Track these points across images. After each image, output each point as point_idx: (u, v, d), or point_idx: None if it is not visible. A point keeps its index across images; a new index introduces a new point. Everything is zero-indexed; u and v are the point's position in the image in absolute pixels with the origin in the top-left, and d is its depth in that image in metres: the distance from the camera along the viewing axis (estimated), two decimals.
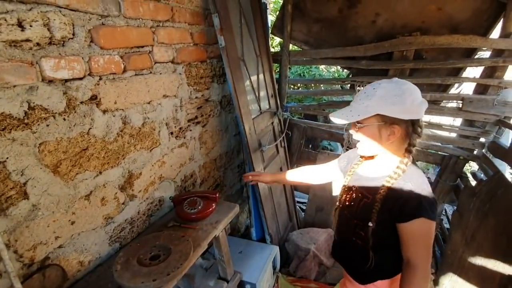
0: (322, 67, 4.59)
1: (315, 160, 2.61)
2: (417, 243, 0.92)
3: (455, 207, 2.14)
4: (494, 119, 1.99)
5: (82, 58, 1.01)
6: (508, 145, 1.82)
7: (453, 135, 2.25)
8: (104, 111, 1.12)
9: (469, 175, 2.22)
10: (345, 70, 3.58)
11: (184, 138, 1.61)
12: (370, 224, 0.98)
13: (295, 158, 2.72)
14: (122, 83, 1.17)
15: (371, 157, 1.07)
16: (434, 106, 2.18)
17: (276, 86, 2.36)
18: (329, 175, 1.33)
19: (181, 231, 1.33)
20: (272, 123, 2.23)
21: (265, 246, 2.13)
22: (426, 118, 2.52)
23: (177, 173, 1.60)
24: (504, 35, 1.87)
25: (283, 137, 2.37)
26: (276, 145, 2.30)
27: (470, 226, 1.83)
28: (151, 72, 1.30)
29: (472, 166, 3.24)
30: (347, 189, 1.12)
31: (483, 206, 1.75)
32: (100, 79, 1.09)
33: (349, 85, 2.45)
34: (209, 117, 1.81)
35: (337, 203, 1.16)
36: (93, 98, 1.08)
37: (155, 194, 1.46)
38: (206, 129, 1.81)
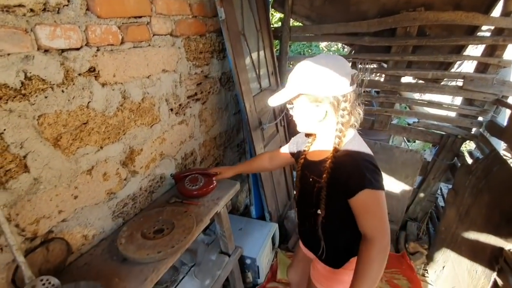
0: (322, 45, 4.49)
1: None
2: (368, 215, 0.89)
3: (451, 186, 2.19)
4: (493, 98, 1.99)
5: (79, 27, 0.97)
6: (505, 124, 1.84)
7: (452, 114, 2.25)
8: (103, 84, 1.09)
9: (466, 154, 2.25)
10: (346, 49, 3.51)
11: (184, 115, 1.58)
12: (322, 211, 0.98)
13: None
14: (120, 55, 1.13)
15: (314, 138, 1.07)
16: (435, 84, 2.17)
17: (277, 64, 2.32)
18: (284, 160, 1.32)
19: (183, 207, 1.35)
20: None
21: (264, 223, 2.17)
22: (426, 97, 2.51)
23: (177, 151, 1.59)
24: (504, 13, 1.84)
25: (283, 116, 2.35)
26: (276, 124, 2.29)
27: (465, 202, 1.88)
28: (149, 45, 1.25)
29: (469, 145, 3.28)
30: (300, 177, 1.09)
31: (478, 183, 1.79)
32: (98, 50, 1.05)
33: (350, 63, 2.41)
34: (209, 94, 1.78)
35: (294, 193, 1.12)
36: (92, 70, 1.04)
37: (156, 170, 1.45)
38: (206, 106, 1.78)
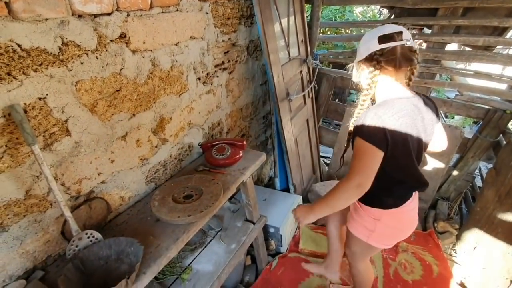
0: (356, 11, 4.14)
1: (343, 113, 2.51)
2: (353, 157, 0.99)
3: (492, 165, 2.03)
4: None
5: None
6: None
7: (503, 86, 2.02)
8: (134, 51, 1.10)
9: None
10: (385, 12, 3.21)
11: (211, 84, 1.57)
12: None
13: (322, 111, 2.63)
14: (149, 21, 1.12)
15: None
16: (485, 52, 1.94)
17: (307, 31, 2.18)
18: None
19: (211, 175, 1.39)
20: (301, 71, 2.12)
21: (288, 195, 2.20)
22: (473, 67, 2.27)
23: (204, 120, 1.61)
24: None
25: (311, 87, 2.26)
26: (304, 96, 2.21)
27: (507, 183, 1.74)
28: (177, 10, 1.22)
29: None
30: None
31: None
32: (128, 15, 1.05)
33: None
34: (236, 63, 1.74)
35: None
36: (122, 36, 1.05)
37: (185, 139, 1.49)
38: (233, 76, 1.75)
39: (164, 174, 1.42)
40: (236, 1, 1.60)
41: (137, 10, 1.06)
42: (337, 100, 3.82)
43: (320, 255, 2.01)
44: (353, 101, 4.02)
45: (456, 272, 1.89)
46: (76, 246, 0.99)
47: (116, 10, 1.00)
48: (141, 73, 1.14)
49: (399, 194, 1.13)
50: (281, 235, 1.94)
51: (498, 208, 1.75)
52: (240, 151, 1.52)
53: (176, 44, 1.26)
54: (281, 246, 2.00)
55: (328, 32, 4.24)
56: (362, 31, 3.53)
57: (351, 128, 1.10)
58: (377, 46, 0.98)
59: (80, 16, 0.91)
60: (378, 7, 3.74)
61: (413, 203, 1.17)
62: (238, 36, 1.70)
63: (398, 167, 1.04)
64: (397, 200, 1.13)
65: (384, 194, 1.03)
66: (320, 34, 3.38)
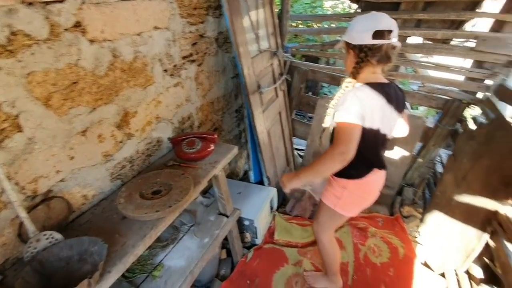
0: (327, 5, 4.21)
1: (315, 105, 2.56)
2: (336, 131, 1.12)
3: (451, 152, 2.18)
4: (506, 60, 1.89)
5: None
6: None
7: (460, 77, 2.16)
8: (92, 41, 1.04)
9: (469, 119, 2.20)
10: (353, 6, 3.29)
11: (179, 77, 1.53)
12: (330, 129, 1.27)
13: (295, 103, 2.66)
14: (107, 9, 1.06)
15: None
16: (444, 45, 2.05)
17: (277, 23, 2.19)
18: None
19: (181, 169, 1.36)
20: (272, 64, 2.12)
21: (263, 187, 2.21)
22: (435, 59, 2.39)
23: (173, 114, 1.57)
24: None
25: (282, 80, 2.28)
26: (275, 88, 2.22)
27: (463, 168, 1.87)
28: None
29: (472, 109, 3.19)
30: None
31: (479, 148, 1.77)
32: (83, 2, 0.99)
33: None
34: (205, 55, 1.71)
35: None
36: (78, 25, 0.99)
37: (152, 134, 1.45)
38: (202, 68, 1.72)
39: (131, 170, 1.37)
40: None
41: None
42: (310, 93, 3.88)
43: (294, 245, 2.06)
44: (326, 94, 4.11)
45: (420, 252, 2.02)
46: (34, 248, 0.93)
47: None
48: (100, 64, 1.08)
49: (362, 169, 1.28)
50: (256, 227, 1.95)
51: (455, 191, 1.88)
52: (211, 145, 1.50)
53: (138, 35, 1.21)
54: (256, 238, 2.02)
55: (300, 26, 4.28)
56: (333, 25, 3.60)
57: (332, 110, 1.22)
58: (369, 41, 1.07)
59: (30, 4, 0.85)
60: (347, 1, 3.83)
61: (374, 176, 1.31)
62: (206, 27, 1.66)
63: (366, 145, 1.13)
64: (360, 172, 1.28)
65: (350, 167, 1.12)
66: (292, 27, 3.40)
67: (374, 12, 1.12)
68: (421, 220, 2.28)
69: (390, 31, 1.07)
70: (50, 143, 1.00)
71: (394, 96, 1.17)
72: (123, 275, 1.27)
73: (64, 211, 1.09)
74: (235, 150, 1.56)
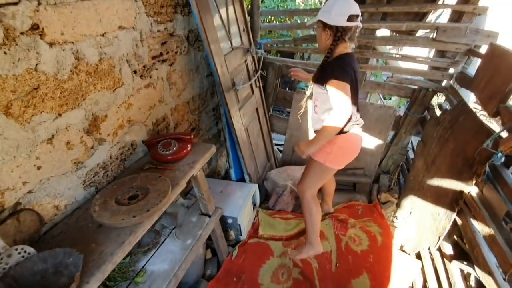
0: (298, 0, 4.25)
1: (291, 100, 2.60)
2: (332, 97, 1.38)
3: (421, 138, 2.29)
4: (465, 49, 2.01)
5: None
6: (473, 74, 1.88)
7: (425, 67, 2.27)
8: (51, 44, 0.99)
9: (436, 107, 2.33)
10: (323, 1, 3.34)
11: (150, 77, 1.49)
12: (315, 97, 1.56)
13: (271, 99, 2.69)
14: (66, 10, 1.01)
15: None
16: (409, 37, 2.15)
17: (248, 20, 2.19)
18: None
19: (158, 172, 1.33)
20: (246, 61, 2.12)
21: (244, 185, 2.22)
22: (404, 51, 2.49)
23: (147, 116, 1.53)
24: None
25: (257, 77, 2.29)
26: (251, 85, 2.23)
27: (432, 152, 1.98)
28: None
29: (438, 97, 3.37)
30: (312, 80, 1.58)
31: (445, 133, 1.88)
32: (39, 4, 0.93)
33: None
34: (176, 54, 1.68)
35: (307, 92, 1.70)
36: (35, 27, 0.93)
37: (126, 138, 1.41)
38: (174, 68, 1.69)
39: (106, 177, 1.33)
40: None
41: None
42: (287, 88, 3.92)
43: (278, 238, 2.09)
44: (302, 89, 4.18)
45: (397, 236, 2.13)
46: (6, 264, 0.89)
47: None
48: (62, 68, 1.03)
49: (347, 124, 1.49)
50: (239, 225, 1.96)
51: (426, 175, 1.99)
52: (188, 145, 1.48)
53: (102, 35, 1.17)
54: (241, 235, 2.03)
55: (274, 22, 4.30)
56: (305, 19, 3.64)
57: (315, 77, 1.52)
58: (344, 23, 1.33)
59: None
60: None
61: (357, 131, 1.58)
62: (176, 26, 1.63)
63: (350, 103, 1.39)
64: (345, 128, 1.50)
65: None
66: (265, 24, 3.41)
67: None
68: (397, 205, 2.39)
69: (357, 16, 1.35)
70: (14, 153, 0.94)
71: (356, 62, 1.49)
72: (104, 284, 1.23)
73: (35, 224, 1.04)
74: (213, 149, 1.55)
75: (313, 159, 1.64)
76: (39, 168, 1.03)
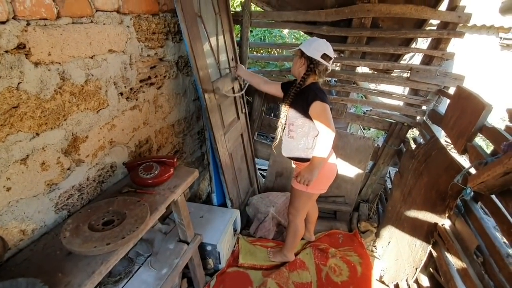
0: (285, 32, 4.50)
1: (275, 126, 2.65)
2: (319, 118, 1.50)
3: (397, 169, 2.39)
4: (435, 89, 2.18)
5: None
6: (444, 112, 2.03)
7: (401, 103, 2.43)
8: (36, 64, 0.98)
9: (411, 140, 2.46)
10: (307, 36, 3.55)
11: (137, 100, 1.49)
12: (290, 122, 1.65)
13: (256, 125, 2.73)
14: (56, 32, 1.02)
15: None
16: (385, 75, 2.31)
17: (237, 49, 2.28)
18: (274, 89, 1.89)
19: (137, 196, 1.29)
20: (233, 88, 2.18)
21: (226, 210, 2.18)
22: (381, 87, 2.64)
23: (130, 138, 1.51)
24: (450, 7, 1.99)
25: (244, 103, 2.34)
26: (237, 111, 2.27)
27: (408, 184, 2.06)
28: (92, 22, 1.14)
29: (414, 132, 3.58)
30: (283, 104, 1.69)
31: (419, 166, 1.97)
32: (28, 24, 0.93)
33: None
34: (165, 78, 1.70)
35: (281, 117, 1.74)
36: (21, 47, 0.93)
37: (105, 159, 1.37)
38: (162, 91, 1.70)
39: (80, 200, 1.27)
40: (162, 16, 1.58)
41: (40, 19, 0.96)
42: (272, 115, 4.01)
43: (259, 268, 2.04)
44: None
45: (376, 266, 2.13)
46: None
47: (13, 18, 0.89)
48: (46, 87, 1.02)
49: None
50: (218, 252, 1.90)
51: (403, 206, 2.05)
52: (171, 169, 1.46)
53: (91, 57, 1.17)
54: (220, 263, 1.96)
55: (262, 52, 4.50)
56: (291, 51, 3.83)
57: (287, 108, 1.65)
58: (318, 57, 1.51)
59: None
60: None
61: (333, 156, 1.73)
62: (166, 51, 1.67)
63: None
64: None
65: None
66: (254, 53, 3.55)
67: (325, 41, 1.57)
68: (376, 234, 2.42)
69: (330, 58, 1.55)
70: None
71: None
72: None
73: None
74: (195, 173, 1.54)
75: (296, 188, 1.74)
76: (8, 189, 0.97)
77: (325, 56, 1.52)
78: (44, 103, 1.02)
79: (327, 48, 1.54)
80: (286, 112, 1.67)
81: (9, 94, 0.92)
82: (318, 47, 1.52)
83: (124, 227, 1.08)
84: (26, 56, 0.95)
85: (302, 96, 1.56)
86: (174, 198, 1.37)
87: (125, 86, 1.39)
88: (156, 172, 1.39)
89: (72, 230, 1.05)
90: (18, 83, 0.94)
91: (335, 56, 2.29)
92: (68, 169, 1.17)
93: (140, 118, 1.55)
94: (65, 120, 1.12)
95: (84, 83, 1.16)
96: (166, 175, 1.42)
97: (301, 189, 1.71)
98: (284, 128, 1.74)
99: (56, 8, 1.01)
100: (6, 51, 0.90)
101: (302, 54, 1.55)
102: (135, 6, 1.35)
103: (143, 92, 1.53)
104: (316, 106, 1.49)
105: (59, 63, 1.05)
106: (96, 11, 1.15)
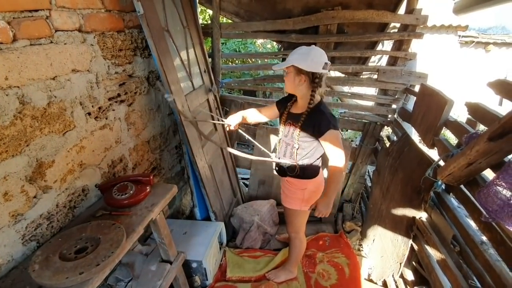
0: (258, 42, 4.58)
1: (254, 135, 2.66)
2: (332, 146, 1.42)
3: (375, 168, 2.46)
4: (402, 87, 2.29)
5: None
6: (411, 109, 2.13)
7: (372, 103, 2.52)
8: None
9: (385, 138, 2.55)
10: (277, 45, 3.64)
11: (106, 119, 1.45)
12: (296, 145, 1.51)
13: (235, 135, 2.73)
14: (13, 55, 0.97)
15: (296, 100, 1.56)
16: (355, 78, 2.39)
17: (209, 61, 2.28)
18: (271, 111, 1.74)
19: (112, 219, 1.24)
20: (208, 99, 2.17)
21: (209, 224, 2.14)
22: (353, 89, 2.73)
23: (102, 158, 1.45)
24: (408, 11, 2.12)
25: (220, 114, 2.33)
26: (214, 122, 2.25)
27: (385, 181, 2.12)
28: (52, 42, 1.11)
29: (387, 131, 3.70)
30: (284, 124, 1.58)
31: (394, 162, 2.04)
32: None
33: (281, 58, 2.51)
34: (136, 94, 1.66)
35: (279, 135, 1.64)
36: None
37: (76, 183, 1.31)
38: (133, 108, 1.66)
39: (50, 228, 1.20)
40: (128, 33, 1.55)
41: None
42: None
43: (247, 280, 2.00)
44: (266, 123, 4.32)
45: (364, 265, 2.16)
46: None
47: None
48: (4, 113, 0.96)
49: (318, 169, 1.63)
50: (205, 268, 1.85)
51: (383, 203, 2.11)
52: (147, 187, 1.41)
53: (53, 79, 1.13)
54: (207, 279, 1.91)
55: (237, 62, 4.55)
56: (266, 60, 3.90)
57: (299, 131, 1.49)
58: (320, 70, 1.37)
59: None
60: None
61: (322, 173, 1.70)
62: (135, 68, 1.64)
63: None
64: (317, 172, 1.63)
65: (312, 170, 1.56)
66: (229, 64, 3.57)
67: (318, 48, 1.41)
68: (361, 233, 2.46)
69: (327, 63, 1.40)
70: None
71: None
72: None
73: None
74: (174, 189, 1.50)
75: (290, 208, 1.72)
76: None
77: (325, 67, 1.37)
78: (3, 129, 0.96)
79: (324, 55, 1.38)
80: (284, 131, 1.57)
81: None
82: (316, 59, 1.35)
83: (98, 253, 1.03)
84: None
85: (312, 118, 1.43)
86: (152, 217, 1.33)
87: (92, 106, 1.34)
88: (131, 191, 1.34)
89: (42, 262, 0.99)
90: None
91: None
92: (34, 197, 1.11)
93: (111, 137, 1.50)
94: (27, 145, 1.06)
95: (47, 105, 1.11)
96: (142, 194, 1.37)
97: (296, 208, 1.68)
98: (285, 146, 1.61)
99: (12, 31, 0.97)
100: None
101: (300, 71, 1.38)
102: (97, 24, 1.32)
103: (113, 110, 1.49)
104: (331, 135, 1.39)
105: (18, 86, 1.00)
106: (56, 31, 1.12)
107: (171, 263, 1.54)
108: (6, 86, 0.97)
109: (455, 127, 1.47)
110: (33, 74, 1.05)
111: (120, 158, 1.60)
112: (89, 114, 1.33)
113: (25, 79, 1.02)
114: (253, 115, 1.76)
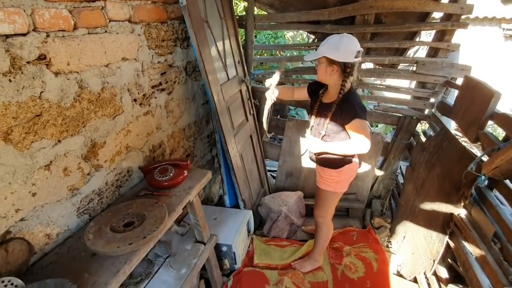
0: (288, 35, 4.54)
1: (283, 127, 2.68)
2: (355, 133, 1.43)
3: (408, 163, 2.38)
4: (443, 80, 2.18)
5: (24, 10, 0.90)
6: (452, 103, 2.02)
7: (408, 97, 2.42)
8: (57, 73, 1.03)
9: (421, 133, 2.44)
10: (311, 37, 3.59)
11: (149, 105, 1.54)
12: (323, 132, 1.55)
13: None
14: (74, 42, 1.07)
15: (327, 88, 1.60)
16: (392, 70, 2.31)
17: (243, 52, 2.32)
18: (303, 94, 1.80)
19: (154, 198, 1.33)
20: (240, 90, 2.21)
21: (239, 211, 2.20)
22: (387, 82, 2.65)
23: (144, 143, 1.55)
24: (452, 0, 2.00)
25: (251, 105, 2.37)
26: (245, 113, 2.30)
27: (420, 177, 2.05)
28: (106, 31, 1.20)
29: (423, 126, 3.54)
30: (316, 112, 1.62)
31: (431, 158, 1.96)
32: (48, 36, 0.98)
33: (314, 49, 2.48)
34: (174, 84, 1.74)
35: (311, 124, 1.68)
36: (42, 57, 0.98)
37: (122, 164, 1.41)
38: (172, 97, 1.75)
39: (100, 204, 1.31)
40: (170, 24, 1.63)
41: (59, 31, 1.01)
42: (278, 116, 4.04)
43: (274, 267, 2.04)
44: (294, 116, 4.31)
45: (393, 261, 2.11)
46: None
47: (33, 30, 0.94)
48: (66, 96, 1.07)
49: (353, 155, 1.64)
50: (234, 253, 1.92)
51: (416, 199, 2.04)
52: (185, 171, 1.49)
53: (106, 66, 1.22)
54: (235, 264, 1.98)
55: (265, 54, 4.55)
56: (295, 53, 3.85)
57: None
58: (352, 59, 1.37)
59: None
60: (305, 32, 4.19)
61: (356, 158, 1.68)
62: (175, 58, 1.71)
63: None
64: (352, 157, 1.64)
65: (344, 160, 1.60)
66: (258, 56, 3.59)
67: (350, 35, 1.41)
68: (391, 230, 2.40)
69: (359, 51, 1.39)
70: (9, 179, 0.93)
71: None
72: None
73: (24, 254, 1.00)
74: (208, 174, 1.56)
75: (324, 189, 1.75)
76: (34, 194, 1.01)
77: (358, 55, 1.38)
78: (64, 110, 1.07)
79: (356, 44, 1.38)
80: (315, 121, 1.61)
81: (33, 103, 0.97)
82: (347, 48, 1.35)
83: (144, 228, 1.11)
84: (47, 66, 1.00)
85: (340, 107, 1.46)
86: (189, 199, 1.40)
87: (138, 93, 1.43)
88: (171, 174, 1.43)
89: (95, 232, 1.09)
90: (41, 92, 0.98)
91: None
92: (88, 174, 1.22)
93: (153, 123, 1.59)
94: (84, 127, 1.16)
95: (101, 90, 1.21)
96: (181, 177, 1.45)
97: (329, 190, 1.71)
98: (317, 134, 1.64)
99: (73, 20, 1.06)
100: (28, 62, 0.94)
101: (332, 61, 1.39)
102: (145, 15, 1.40)
103: (155, 97, 1.58)
104: (355, 124, 1.41)
105: (77, 72, 1.10)
106: (110, 21, 1.20)
107: (204, 244, 1.62)
108: (68, 71, 1.07)
109: (503, 119, 1.39)
110: (90, 61, 1.14)
111: (160, 143, 1.69)
112: (135, 100, 1.42)
113: (84, 65, 1.12)
114: (285, 90, 1.87)
